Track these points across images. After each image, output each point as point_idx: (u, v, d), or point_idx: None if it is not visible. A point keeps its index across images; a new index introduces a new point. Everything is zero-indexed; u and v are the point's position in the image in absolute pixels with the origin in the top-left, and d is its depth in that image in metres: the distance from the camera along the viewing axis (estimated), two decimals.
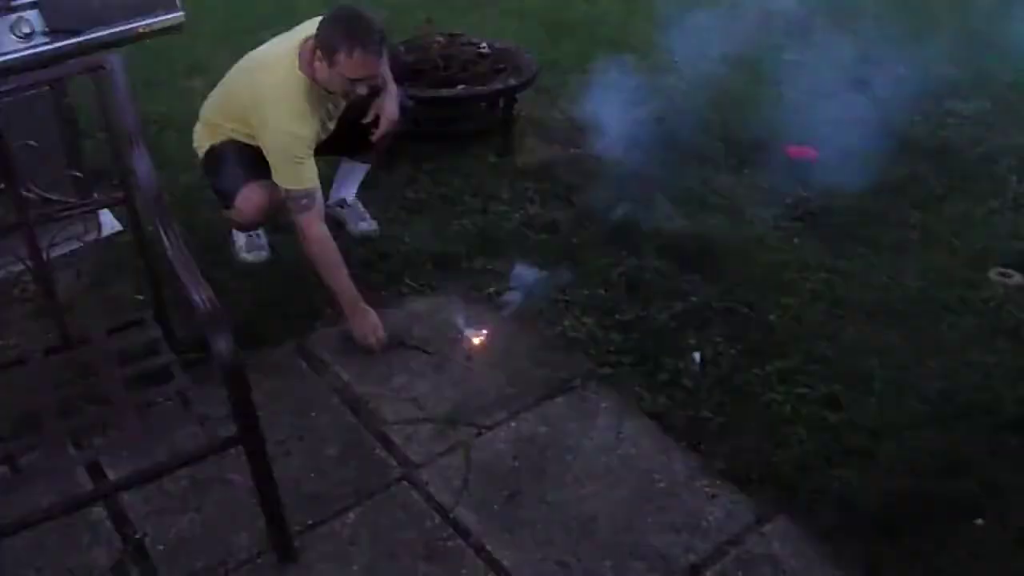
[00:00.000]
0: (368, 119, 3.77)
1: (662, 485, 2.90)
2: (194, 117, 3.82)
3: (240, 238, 3.99)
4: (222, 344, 2.20)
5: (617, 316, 3.58)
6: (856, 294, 3.76)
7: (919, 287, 3.80)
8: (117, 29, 3.44)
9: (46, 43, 3.30)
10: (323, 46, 3.31)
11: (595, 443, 3.04)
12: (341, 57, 3.26)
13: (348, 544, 2.70)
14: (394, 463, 2.98)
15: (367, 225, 4.16)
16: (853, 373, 3.32)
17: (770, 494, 2.86)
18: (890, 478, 2.90)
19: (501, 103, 4.90)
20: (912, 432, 3.08)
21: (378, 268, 3.87)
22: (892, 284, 3.83)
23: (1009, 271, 3.91)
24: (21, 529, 2.21)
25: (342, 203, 4.21)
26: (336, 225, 4.09)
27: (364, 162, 4.17)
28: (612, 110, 5.28)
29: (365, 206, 4.23)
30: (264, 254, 4.00)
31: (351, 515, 2.79)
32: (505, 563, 2.64)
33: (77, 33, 3.36)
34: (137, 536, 2.73)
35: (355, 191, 4.24)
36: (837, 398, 3.21)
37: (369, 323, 3.46)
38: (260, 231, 4.00)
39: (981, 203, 4.46)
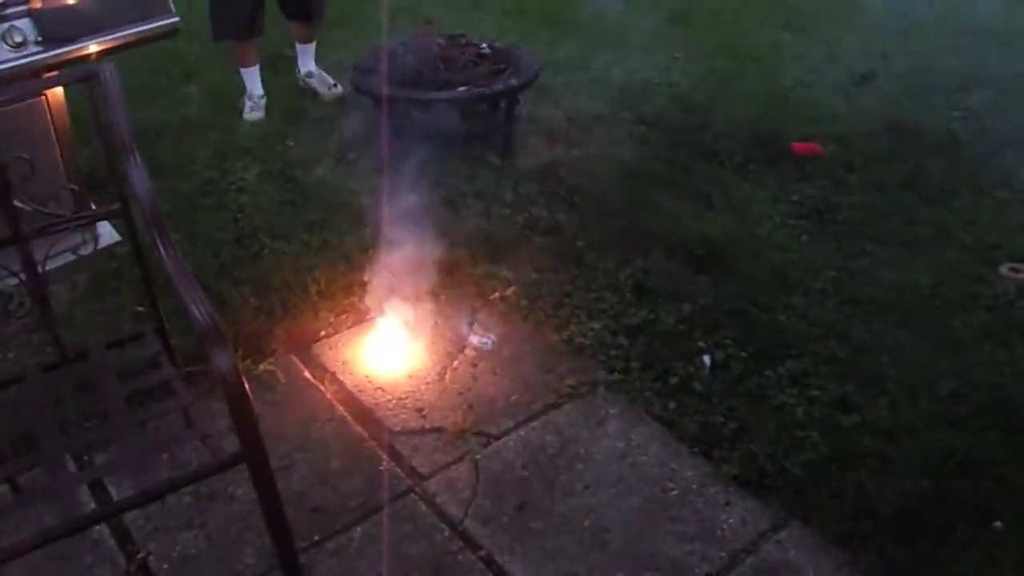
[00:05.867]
0: None
1: (674, 493, 2.85)
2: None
3: (247, 103, 5.16)
4: (222, 360, 2.14)
5: (624, 320, 3.53)
6: (866, 292, 3.71)
7: (929, 284, 3.76)
8: (111, 36, 3.39)
9: (39, 52, 3.25)
10: None
11: (605, 451, 3.00)
12: None
13: (356, 559, 2.65)
14: (401, 475, 2.93)
15: (336, 88, 5.40)
16: (865, 373, 3.27)
17: (784, 500, 2.82)
18: (906, 481, 2.86)
19: (503, 104, 4.84)
20: (927, 433, 3.03)
21: (381, 273, 3.79)
22: (902, 281, 3.78)
23: (1020, 266, 3.86)
24: (22, 554, 2.16)
25: (310, 74, 5.48)
26: (311, 95, 5.45)
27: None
28: (613, 109, 5.25)
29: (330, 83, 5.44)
30: (259, 115, 5.17)
31: (358, 529, 2.75)
32: None
33: (70, 41, 3.31)
34: (141, 555, 2.69)
35: (312, 60, 5.48)
36: (850, 399, 3.16)
37: None
38: (263, 99, 5.21)
39: (990, 196, 4.42)
